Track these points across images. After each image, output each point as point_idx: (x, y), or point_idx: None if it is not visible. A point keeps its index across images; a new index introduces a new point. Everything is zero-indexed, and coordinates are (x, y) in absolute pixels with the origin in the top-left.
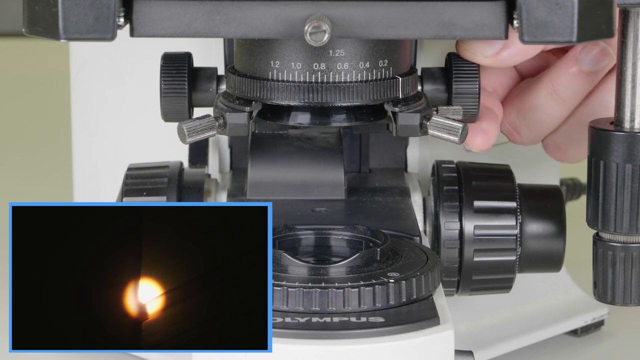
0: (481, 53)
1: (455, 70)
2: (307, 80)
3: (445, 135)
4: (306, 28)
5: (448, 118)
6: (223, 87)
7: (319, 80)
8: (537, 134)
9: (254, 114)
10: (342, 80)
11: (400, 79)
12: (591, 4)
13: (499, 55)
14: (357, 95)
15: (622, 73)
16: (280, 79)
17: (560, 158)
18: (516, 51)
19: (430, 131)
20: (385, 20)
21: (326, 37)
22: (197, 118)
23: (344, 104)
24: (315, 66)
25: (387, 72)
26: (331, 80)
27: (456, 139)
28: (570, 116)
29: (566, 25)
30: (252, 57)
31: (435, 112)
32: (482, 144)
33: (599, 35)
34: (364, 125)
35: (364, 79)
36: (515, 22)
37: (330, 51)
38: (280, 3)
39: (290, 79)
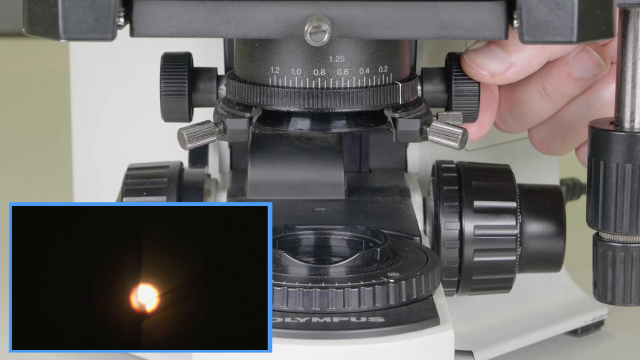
0: (487, 72)
1: (455, 71)
2: (307, 86)
3: (445, 141)
4: (306, 28)
5: (448, 124)
6: (223, 87)
7: (319, 86)
8: (522, 126)
9: (254, 119)
10: (342, 86)
11: (400, 84)
12: (591, 4)
13: (505, 74)
14: (357, 101)
15: (622, 73)
16: (280, 84)
17: (544, 151)
18: (521, 68)
19: (430, 137)
20: (385, 20)
21: (326, 37)
22: (197, 124)
23: (343, 110)
24: (315, 72)
25: (387, 78)
26: (331, 86)
27: (456, 144)
28: (556, 114)
29: (566, 25)
30: (252, 63)
31: (435, 118)
32: (475, 134)
33: (599, 35)
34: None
35: (364, 84)
36: (515, 22)
37: (330, 57)
38: (280, 3)
39: (290, 85)
